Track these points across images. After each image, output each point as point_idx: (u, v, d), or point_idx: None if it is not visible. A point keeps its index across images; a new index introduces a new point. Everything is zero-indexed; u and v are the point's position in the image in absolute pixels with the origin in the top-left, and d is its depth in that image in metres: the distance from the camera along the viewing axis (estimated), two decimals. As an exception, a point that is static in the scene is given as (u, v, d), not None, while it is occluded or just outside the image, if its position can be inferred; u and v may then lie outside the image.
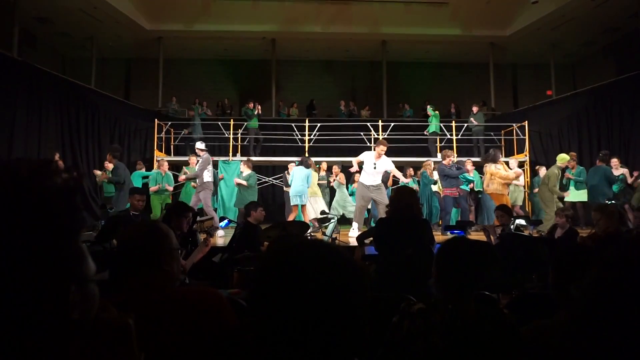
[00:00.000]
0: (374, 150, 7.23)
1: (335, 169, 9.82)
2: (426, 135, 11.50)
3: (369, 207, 8.06)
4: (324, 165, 10.05)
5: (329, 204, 9.73)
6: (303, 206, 8.37)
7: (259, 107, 11.96)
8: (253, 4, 13.42)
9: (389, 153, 7.38)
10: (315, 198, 8.84)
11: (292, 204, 8.22)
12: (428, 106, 11.94)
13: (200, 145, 8.09)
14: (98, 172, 9.00)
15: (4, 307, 0.57)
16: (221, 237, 6.89)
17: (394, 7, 13.58)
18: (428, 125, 11.53)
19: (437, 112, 11.49)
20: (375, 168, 6.95)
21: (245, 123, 11.76)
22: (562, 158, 8.19)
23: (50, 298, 0.60)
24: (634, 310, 0.70)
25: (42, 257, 0.60)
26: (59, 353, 0.61)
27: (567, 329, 0.97)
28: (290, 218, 8.24)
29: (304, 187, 8.08)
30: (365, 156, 7.18)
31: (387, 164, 7.15)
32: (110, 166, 8.06)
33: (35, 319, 0.59)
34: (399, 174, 7.64)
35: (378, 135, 11.25)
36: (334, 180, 9.74)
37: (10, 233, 0.58)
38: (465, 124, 11.85)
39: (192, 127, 11.68)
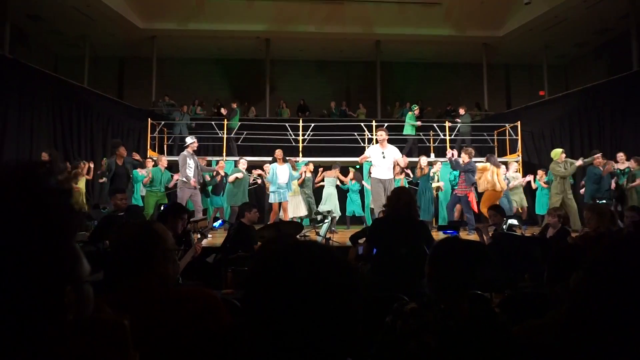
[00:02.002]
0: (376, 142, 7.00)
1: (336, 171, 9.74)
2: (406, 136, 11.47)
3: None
4: (311, 167, 9.97)
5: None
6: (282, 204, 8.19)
7: (234, 106, 12.04)
8: (247, 4, 13.39)
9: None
10: (296, 197, 8.82)
11: (280, 201, 8.03)
12: (413, 105, 11.77)
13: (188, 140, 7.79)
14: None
15: (-1, 308, 0.57)
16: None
17: (387, 8, 13.61)
18: (423, 126, 11.56)
19: (413, 112, 11.39)
20: (384, 157, 6.63)
21: (240, 123, 11.78)
22: (556, 153, 8.30)
23: (46, 299, 0.60)
24: (621, 309, 0.71)
25: (37, 258, 0.60)
26: (55, 353, 0.61)
27: (558, 328, 0.98)
28: (275, 217, 8.04)
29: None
30: (370, 150, 6.92)
31: (395, 151, 6.82)
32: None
33: (31, 320, 0.59)
34: (402, 162, 7.07)
35: (372, 135, 11.26)
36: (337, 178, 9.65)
37: (5, 234, 0.58)
38: (459, 125, 11.91)
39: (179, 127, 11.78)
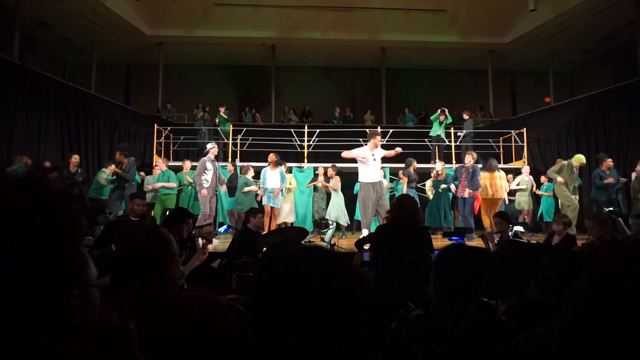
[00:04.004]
0: (369, 142, 6.69)
1: (330, 171, 9.64)
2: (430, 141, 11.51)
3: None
4: (322, 170, 9.93)
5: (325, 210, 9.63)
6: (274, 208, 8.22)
7: (222, 110, 12.10)
8: (253, 10, 13.48)
9: (390, 158, 7.15)
10: (288, 203, 8.88)
11: (270, 205, 8.05)
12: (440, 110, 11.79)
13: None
14: (112, 168, 8.47)
15: (7, 312, 0.57)
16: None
17: (393, 14, 13.65)
18: (428, 131, 11.58)
19: (435, 115, 11.37)
20: (374, 159, 6.50)
21: (243, 128, 11.83)
22: (579, 158, 8.09)
23: (53, 303, 0.61)
24: (624, 316, 0.71)
25: (45, 262, 0.61)
26: (62, 357, 0.62)
27: (564, 336, 0.98)
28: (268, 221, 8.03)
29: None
30: (360, 151, 6.60)
31: (381, 152, 6.67)
32: (112, 168, 8.15)
33: (39, 324, 0.59)
34: (392, 153, 6.76)
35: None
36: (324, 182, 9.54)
37: (14, 238, 0.59)
38: (464, 131, 11.88)
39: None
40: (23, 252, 0.59)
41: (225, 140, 11.53)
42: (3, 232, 0.59)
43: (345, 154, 6.61)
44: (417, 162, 11.22)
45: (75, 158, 8.08)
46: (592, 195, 8.11)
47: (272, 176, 8.17)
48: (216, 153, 7.80)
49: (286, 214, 8.85)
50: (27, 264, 0.59)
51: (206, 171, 7.48)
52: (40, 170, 0.67)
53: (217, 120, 11.97)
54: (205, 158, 7.63)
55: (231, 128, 11.58)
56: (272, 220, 8.16)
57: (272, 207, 8.15)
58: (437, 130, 11.16)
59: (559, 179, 7.74)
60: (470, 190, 7.96)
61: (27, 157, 7.63)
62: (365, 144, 6.97)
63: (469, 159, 8.18)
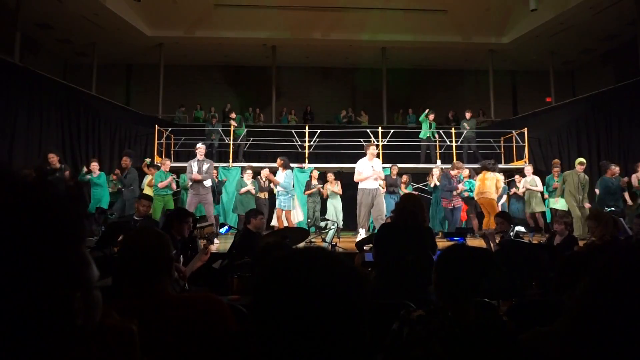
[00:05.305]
0: (367, 153, 7.33)
1: (330, 176, 9.55)
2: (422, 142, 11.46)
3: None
4: (315, 174, 9.80)
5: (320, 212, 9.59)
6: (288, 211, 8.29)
7: (233, 116, 12.08)
8: (253, 11, 13.49)
9: (390, 158, 7.40)
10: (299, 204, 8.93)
11: (281, 208, 8.13)
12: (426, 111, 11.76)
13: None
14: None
15: (9, 313, 0.57)
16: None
17: (393, 15, 13.65)
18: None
19: (427, 118, 11.29)
20: (373, 169, 7.13)
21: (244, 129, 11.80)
22: (580, 161, 8.26)
23: (55, 304, 0.61)
24: (627, 317, 0.71)
25: (47, 263, 0.61)
26: (64, 359, 0.62)
27: (565, 336, 0.98)
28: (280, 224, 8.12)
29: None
30: (362, 163, 7.27)
31: (379, 164, 7.36)
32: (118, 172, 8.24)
33: (40, 325, 0.59)
34: (381, 175, 7.51)
35: (378, 141, 11.24)
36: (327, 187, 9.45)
37: (16, 240, 0.59)
38: (465, 131, 11.87)
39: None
40: (25, 253, 0.59)
41: (226, 141, 11.52)
42: (5, 233, 0.59)
43: (357, 177, 7.29)
44: (417, 163, 11.24)
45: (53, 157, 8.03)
46: (597, 203, 8.04)
47: (280, 179, 8.13)
48: (202, 153, 7.67)
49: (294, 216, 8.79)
50: (29, 266, 0.59)
51: (190, 172, 7.47)
52: (43, 171, 0.67)
53: (232, 128, 11.78)
54: (192, 160, 7.62)
55: (232, 129, 11.55)
56: (288, 223, 8.14)
57: (283, 210, 8.12)
58: (427, 132, 11.15)
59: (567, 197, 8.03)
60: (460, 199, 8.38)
61: (31, 170, 7.65)
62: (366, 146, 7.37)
63: (455, 170, 8.55)
